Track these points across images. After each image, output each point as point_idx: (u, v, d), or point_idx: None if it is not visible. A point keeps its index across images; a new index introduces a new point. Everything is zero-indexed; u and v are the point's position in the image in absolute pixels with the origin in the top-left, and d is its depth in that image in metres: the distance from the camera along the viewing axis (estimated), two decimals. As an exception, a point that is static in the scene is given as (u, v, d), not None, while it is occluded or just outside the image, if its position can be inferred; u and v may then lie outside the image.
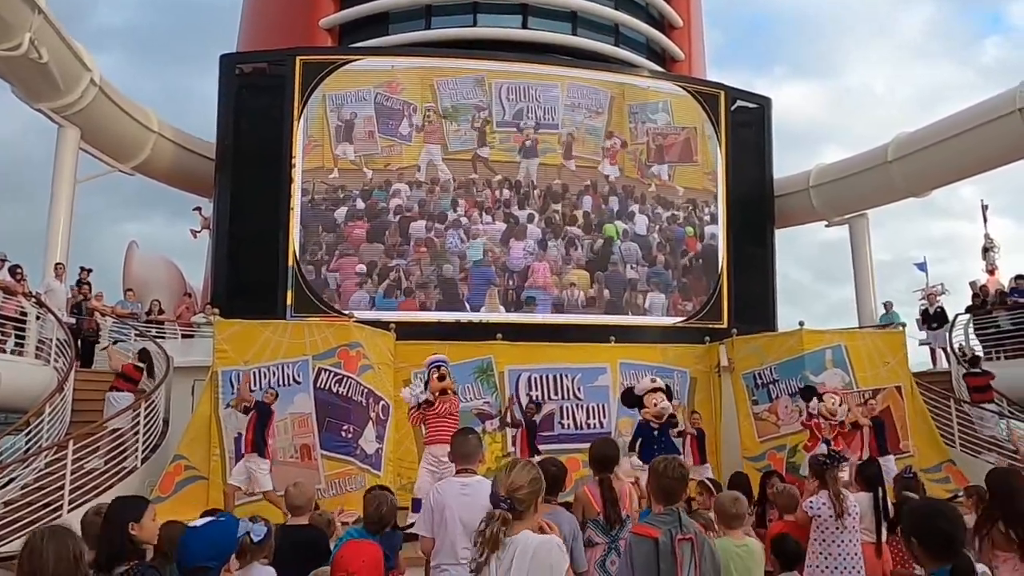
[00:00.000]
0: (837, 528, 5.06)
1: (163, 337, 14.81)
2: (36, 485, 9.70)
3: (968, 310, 16.05)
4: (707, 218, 18.34)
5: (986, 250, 21.28)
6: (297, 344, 11.30)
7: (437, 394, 9.06)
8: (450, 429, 8.27)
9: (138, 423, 11.20)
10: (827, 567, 5.01)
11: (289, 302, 15.83)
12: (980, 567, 3.06)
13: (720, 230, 18.30)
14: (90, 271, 15.22)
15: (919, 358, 16.56)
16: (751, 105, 19.91)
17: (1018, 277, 15.65)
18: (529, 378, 12.95)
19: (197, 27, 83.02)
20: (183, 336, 15.46)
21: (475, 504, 4.05)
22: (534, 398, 12.60)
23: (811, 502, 5.23)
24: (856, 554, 5.10)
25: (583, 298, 17.04)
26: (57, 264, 14.33)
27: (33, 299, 12.28)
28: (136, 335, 14.38)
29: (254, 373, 10.88)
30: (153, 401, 11.78)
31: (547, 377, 13.09)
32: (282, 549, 4.20)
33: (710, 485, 6.46)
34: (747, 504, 4.89)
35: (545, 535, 3.09)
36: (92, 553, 3.36)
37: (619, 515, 4.52)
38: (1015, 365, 14.33)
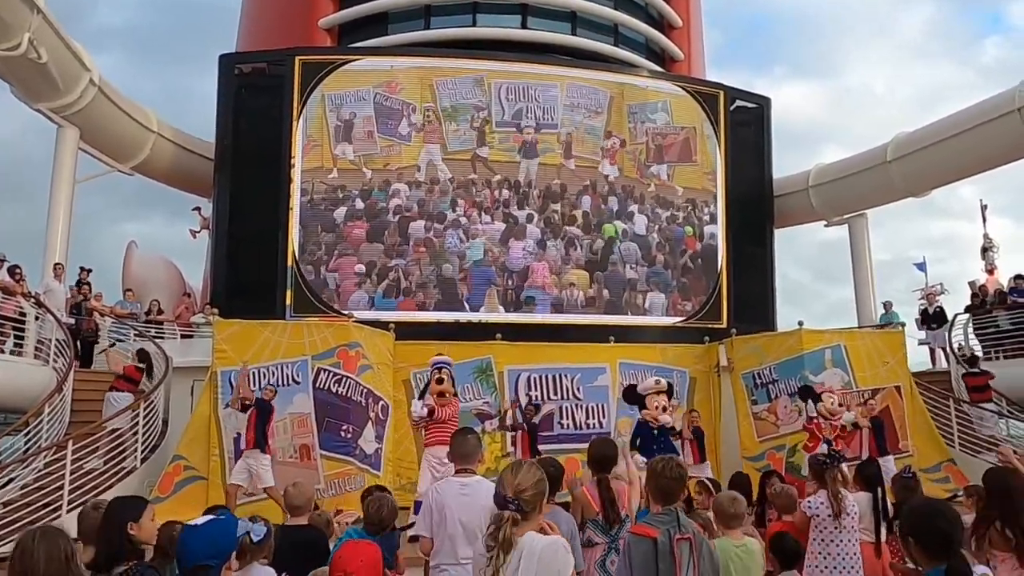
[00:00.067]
0: (835, 528, 5.06)
1: (162, 337, 14.81)
2: (35, 485, 9.71)
3: (967, 310, 16.06)
4: (706, 218, 18.34)
5: (985, 250, 21.31)
6: (296, 344, 11.31)
7: (435, 396, 9.10)
8: (450, 430, 8.28)
9: (137, 423, 11.21)
10: (826, 567, 5.01)
11: (288, 302, 15.82)
12: (981, 568, 3.05)
13: (719, 230, 18.31)
14: (90, 271, 15.21)
15: (918, 358, 16.60)
16: (750, 105, 19.91)
17: (1017, 277, 15.66)
18: (528, 378, 12.96)
19: (197, 27, 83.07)
20: (182, 336, 15.46)
21: (474, 504, 4.05)
22: (533, 399, 12.61)
23: (809, 502, 5.24)
24: (855, 554, 5.10)
25: (582, 298, 17.04)
26: (56, 264, 14.32)
27: (32, 299, 12.28)
28: (135, 335, 14.38)
29: (254, 373, 10.88)
30: (152, 401, 11.79)
31: (546, 377, 13.10)
32: (281, 549, 4.20)
33: (709, 485, 6.46)
34: (745, 504, 4.89)
35: (550, 536, 3.10)
36: (90, 549, 3.36)
37: (618, 515, 4.52)
38: (1014, 365, 14.34)
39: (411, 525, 6.69)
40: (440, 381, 9.27)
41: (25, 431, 10.39)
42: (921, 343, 16.99)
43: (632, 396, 10.42)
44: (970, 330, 15.57)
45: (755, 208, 18.96)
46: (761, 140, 19.64)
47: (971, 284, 17.15)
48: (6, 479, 9.69)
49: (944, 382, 14.71)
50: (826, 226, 20.75)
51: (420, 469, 9.32)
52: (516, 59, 17.96)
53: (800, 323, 13.36)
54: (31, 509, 9.02)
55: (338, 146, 16.68)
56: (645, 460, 8.51)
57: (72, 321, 13.48)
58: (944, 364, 16.01)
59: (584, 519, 4.63)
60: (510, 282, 16.79)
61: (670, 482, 3.49)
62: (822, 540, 5.07)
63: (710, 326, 16.71)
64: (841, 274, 21.81)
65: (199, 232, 19.33)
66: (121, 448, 10.97)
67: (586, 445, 5.70)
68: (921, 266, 21.15)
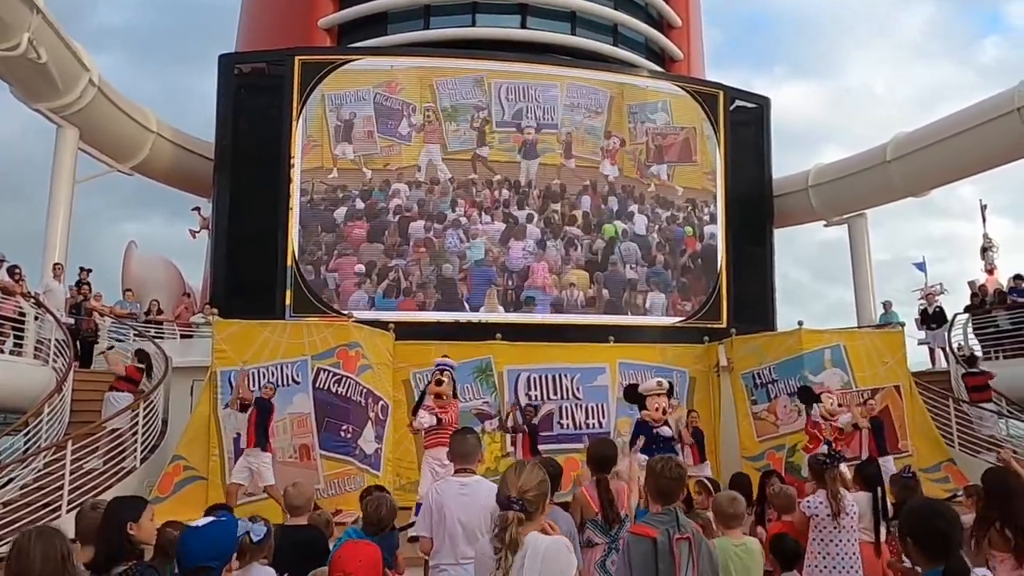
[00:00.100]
0: (835, 528, 5.06)
1: (162, 337, 14.81)
2: (35, 485, 9.70)
3: (967, 310, 16.06)
4: (706, 218, 18.35)
5: (985, 250, 21.31)
6: (296, 344, 11.31)
7: (432, 397, 9.12)
8: (450, 432, 8.30)
9: (137, 423, 11.20)
10: (825, 567, 5.02)
11: (288, 302, 15.82)
12: (980, 571, 3.05)
13: (719, 230, 18.31)
14: (90, 271, 15.21)
15: (918, 358, 16.61)
16: (750, 105, 19.91)
17: (1017, 277, 15.66)
18: (528, 378, 12.96)
19: (197, 27, 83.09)
20: (182, 336, 15.45)
21: (474, 504, 4.06)
22: (532, 398, 12.60)
23: (808, 501, 5.24)
24: (854, 554, 5.10)
25: (582, 298, 17.04)
26: (56, 264, 14.32)
27: (32, 299, 12.27)
28: (135, 335, 14.38)
29: (253, 373, 10.88)
30: (152, 401, 11.78)
31: (546, 377, 13.10)
32: (281, 549, 4.20)
33: (709, 485, 6.46)
34: (745, 504, 4.88)
35: (554, 536, 3.11)
36: (88, 549, 3.36)
37: (617, 515, 4.53)
38: (1014, 364, 14.33)
39: (410, 525, 6.70)
40: (439, 383, 9.29)
41: (24, 431, 10.38)
42: (921, 343, 17.00)
43: (633, 395, 10.43)
44: (970, 330, 15.58)
45: (755, 208, 18.96)
46: (761, 140, 19.65)
47: (971, 284, 17.15)
48: (6, 479, 9.68)
49: (944, 382, 14.72)
50: (826, 226, 20.76)
51: (421, 471, 9.32)
52: (516, 59, 17.96)
53: (800, 323, 13.35)
54: (30, 509, 9.01)
55: (338, 146, 16.68)
56: (647, 458, 8.53)
57: (72, 321, 13.48)
58: (944, 364, 16.01)
59: (584, 519, 4.63)
60: (510, 282, 16.79)
61: (669, 482, 3.49)
62: (821, 540, 5.08)
63: (710, 326, 16.71)
64: (841, 274, 21.84)
65: (199, 232, 19.32)
66: (121, 448, 10.96)
67: (585, 445, 5.71)
68: (921, 266, 21.15)
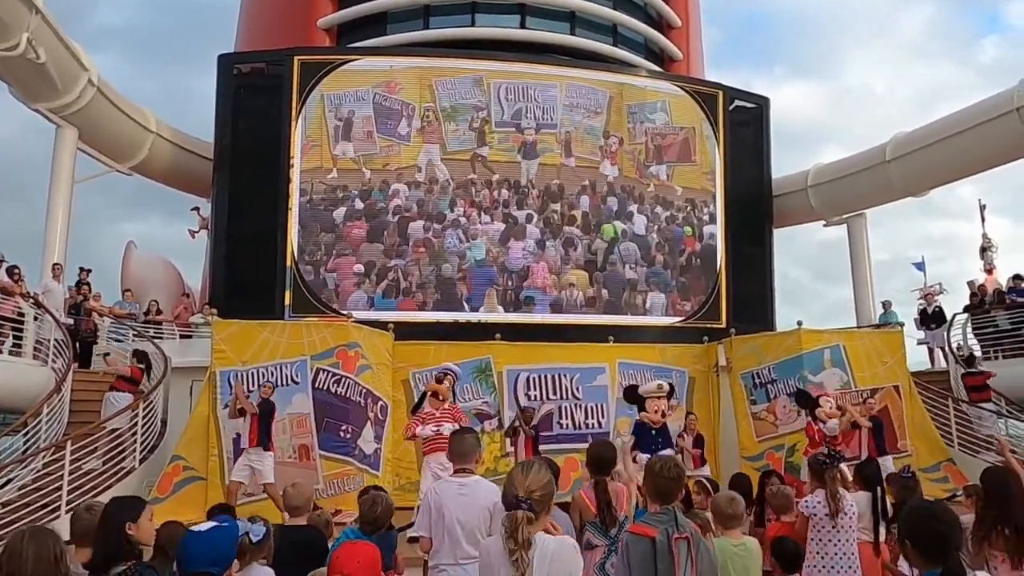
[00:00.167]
0: (833, 527, 5.06)
1: (161, 337, 14.80)
2: (34, 486, 9.70)
3: (966, 309, 16.07)
4: (705, 218, 18.35)
5: (984, 249, 21.35)
6: (295, 344, 11.31)
7: (429, 394, 9.14)
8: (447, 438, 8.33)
9: (136, 424, 11.19)
10: (823, 566, 5.01)
11: (287, 302, 15.82)
12: (981, 573, 3.05)
13: (718, 230, 18.31)
14: (89, 271, 15.21)
15: (917, 358, 16.62)
16: (749, 105, 19.91)
17: (1016, 276, 15.67)
18: (528, 378, 12.97)
19: (196, 27, 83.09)
20: (181, 336, 15.44)
21: (473, 504, 4.06)
22: (532, 399, 12.58)
23: (806, 501, 5.24)
24: (852, 553, 5.10)
25: (582, 298, 17.04)
26: (55, 264, 14.31)
27: (31, 299, 12.27)
28: (134, 335, 14.37)
29: (252, 373, 10.87)
30: (151, 402, 11.77)
31: (546, 377, 13.10)
32: (281, 550, 4.19)
33: (708, 485, 6.46)
34: (744, 504, 4.88)
35: (561, 536, 3.12)
36: (83, 551, 3.35)
37: (614, 518, 4.51)
38: (1013, 364, 14.34)
39: (409, 525, 6.69)
40: (440, 380, 9.31)
41: (24, 431, 10.38)
42: (920, 343, 17.01)
43: (633, 396, 10.43)
44: (969, 330, 15.58)
45: (754, 208, 18.96)
46: (760, 140, 19.65)
47: (970, 284, 17.16)
48: (4, 480, 9.67)
49: (943, 382, 14.72)
50: (825, 226, 20.76)
51: (422, 474, 9.30)
52: (515, 59, 17.96)
53: (799, 323, 13.36)
54: (30, 510, 9.00)
55: (338, 145, 16.67)
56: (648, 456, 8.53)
57: (71, 321, 13.48)
58: (943, 364, 16.02)
59: (583, 521, 4.63)
60: (509, 282, 16.79)
61: (668, 482, 3.49)
62: (819, 540, 5.07)
63: (709, 326, 16.71)
64: (840, 274, 21.88)
65: (198, 232, 19.31)
66: (120, 448, 10.95)
67: (585, 445, 5.70)
68: (920, 266, 21.19)
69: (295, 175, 16.36)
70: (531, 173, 17.33)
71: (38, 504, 9.23)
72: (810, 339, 12.87)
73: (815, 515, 5.11)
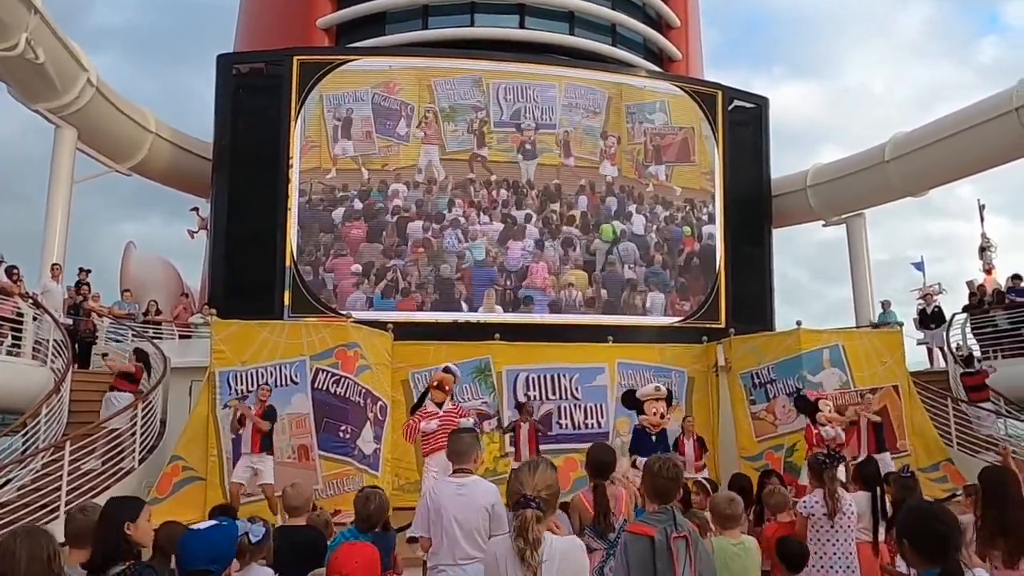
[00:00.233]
0: (831, 527, 5.06)
1: (160, 338, 14.81)
2: (33, 486, 9.69)
3: (965, 309, 16.07)
4: (704, 218, 18.35)
5: (983, 249, 21.39)
6: (294, 344, 11.30)
7: (434, 386, 9.13)
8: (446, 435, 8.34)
9: (135, 424, 11.19)
10: (822, 566, 5.01)
11: (287, 302, 15.82)
12: (979, 572, 3.06)
13: (717, 230, 18.31)
14: (89, 272, 15.20)
15: (916, 358, 16.63)
16: (748, 105, 19.91)
17: (1015, 276, 15.67)
18: (527, 378, 12.97)
19: (195, 27, 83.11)
20: (180, 337, 15.44)
21: (471, 504, 4.05)
22: (531, 399, 12.58)
23: (805, 501, 5.24)
24: (850, 553, 5.10)
25: (581, 298, 17.05)
26: (54, 265, 14.29)
27: (30, 300, 12.26)
28: (133, 336, 14.37)
29: (251, 374, 10.87)
30: (150, 402, 11.77)
31: (545, 377, 13.10)
32: (280, 550, 4.19)
33: (707, 485, 6.46)
34: (743, 505, 4.88)
35: (567, 536, 3.13)
36: (77, 552, 3.35)
37: (611, 524, 4.50)
38: (1013, 364, 14.34)
39: (408, 526, 6.69)
40: (447, 370, 9.33)
41: (23, 432, 10.37)
42: (919, 343, 17.01)
43: (631, 401, 10.44)
44: (968, 330, 15.59)
45: (753, 208, 18.97)
46: (759, 140, 19.65)
47: (969, 284, 17.16)
48: (3, 480, 9.66)
49: (942, 382, 14.73)
50: (824, 226, 20.76)
51: (424, 476, 9.29)
52: (514, 59, 17.96)
53: (798, 323, 13.36)
54: (29, 510, 8.99)
55: (337, 145, 16.67)
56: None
57: (70, 322, 13.47)
58: (942, 364, 16.02)
59: (582, 524, 4.62)
60: (508, 282, 16.79)
61: (666, 482, 3.49)
62: (818, 540, 5.07)
63: (708, 326, 16.71)
64: (839, 274, 21.91)
65: (197, 232, 19.32)
66: (119, 449, 10.94)
67: (585, 445, 5.68)
68: (919, 266, 21.23)
69: (294, 175, 16.36)
70: (530, 173, 17.33)
71: (37, 505, 9.22)
72: (809, 339, 12.87)
73: (813, 515, 5.11)
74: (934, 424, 13.14)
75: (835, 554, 5.02)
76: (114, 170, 17.57)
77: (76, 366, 12.66)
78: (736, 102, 19.52)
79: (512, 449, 11.95)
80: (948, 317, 16.33)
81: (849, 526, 5.14)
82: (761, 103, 20.02)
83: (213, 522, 3.16)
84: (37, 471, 10.00)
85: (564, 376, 13.19)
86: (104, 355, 13.35)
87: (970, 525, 4.94)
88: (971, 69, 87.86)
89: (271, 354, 11.16)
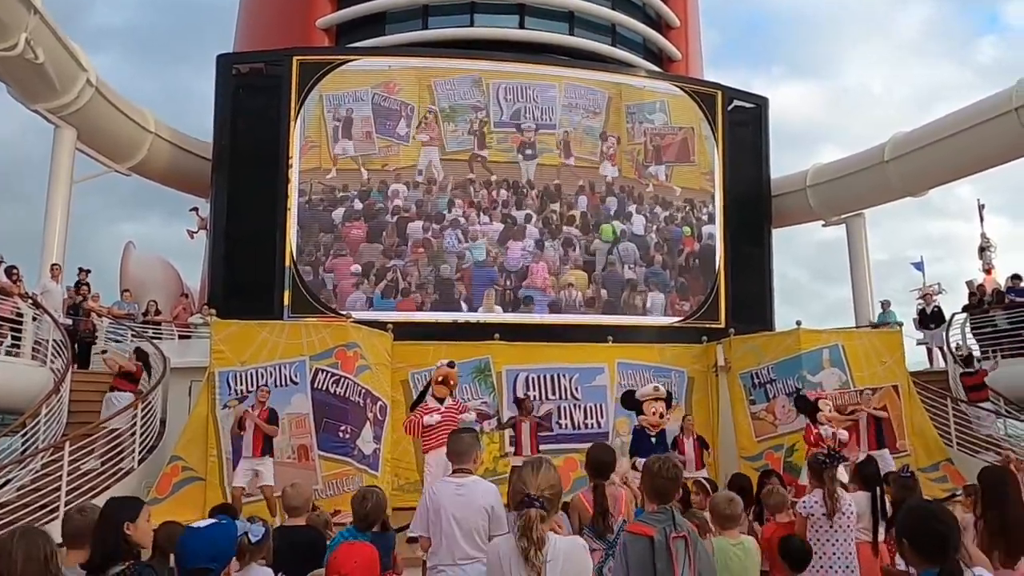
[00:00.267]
0: (830, 527, 5.06)
1: (160, 338, 14.80)
2: (33, 487, 9.69)
3: (965, 309, 16.07)
4: (704, 218, 18.35)
5: (982, 249, 21.40)
6: (294, 344, 11.30)
7: (437, 382, 9.14)
8: (444, 431, 8.39)
9: (135, 424, 11.18)
10: (821, 566, 5.01)
11: (286, 303, 15.81)
12: (978, 570, 3.05)
13: (717, 230, 18.31)
14: (88, 272, 15.20)
15: (916, 358, 16.63)
16: (748, 105, 19.91)
17: (1014, 276, 15.67)
18: (527, 378, 12.97)
19: (195, 27, 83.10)
20: (180, 337, 15.44)
21: (470, 505, 4.05)
22: (531, 398, 12.57)
23: (804, 501, 5.24)
24: (850, 553, 5.10)
25: (581, 298, 17.04)
26: (53, 265, 14.29)
27: (29, 300, 12.25)
28: (133, 336, 14.36)
29: (251, 374, 10.86)
30: (150, 402, 11.77)
31: (545, 377, 13.10)
32: (280, 550, 4.19)
33: (706, 485, 6.47)
34: (742, 505, 4.87)
35: (570, 536, 3.13)
36: (74, 553, 3.34)
37: (608, 526, 4.50)
38: (1012, 364, 14.33)
39: (408, 526, 6.69)
40: (452, 365, 9.33)
41: (22, 432, 10.37)
42: (919, 343, 17.01)
43: (630, 402, 10.44)
44: (967, 330, 15.58)
45: (753, 208, 18.97)
46: (759, 140, 19.65)
47: (969, 283, 17.16)
48: (3, 480, 9.66)
49: (942, 382, 14.73)
50: (824, 226, 20.76)
51: (424, 473, 9.28)
52: (514, 59, 17.96)
53: (798, 323, 13.36)
54: (28, 511, 8.99)
55: (337, 144, 16.67)
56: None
57: (69, 322, 13.47)
58: (942, 364, 16.02)
59: (581, 524, 4.62)
60: (508, 283, 16.79)
61: (666, 482, 3.49)
62: (817, 540, 5.07)
63: (708, 326, 16.72)
64: (839, 274, 21.93)
65: (196, 232, 19.32)
66: (119, 449, 10.94)
67: (584, 445, 5.68)
68: (919, 266, 21.24)
69: (294, 175, 16.35)
70: (530, 173, 17.33)
71: (36, 505, 9.21)
72: (809, 339, 12.87)
73: (812, 515, 5.11)
74: (934, 424, 13.14)
75: (834, 554, 5.02)
76: (113, 170, 17.57)
77: (76, 366, 12.65)
78: (736, 102, 19.52)
79: (512, 449, 11.95)
80: (948, 317, 16.33)
81: (848, 526, 5.14)
82: (761, 103, 20.02)
83: (212, 520, 3.15)
84: (36, 471, 10.00)
85: (564, 376, 13.19)
86: (103, 352, 13.33)
87: (971, 524, 4.95)
88: (970, 69, 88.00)
89: (271, 354, 11.15)
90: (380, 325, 12.97)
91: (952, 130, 16.77)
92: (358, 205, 16.54)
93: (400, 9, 19.26)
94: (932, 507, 2.88)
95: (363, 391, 11.51)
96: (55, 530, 3.33)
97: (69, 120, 15.50)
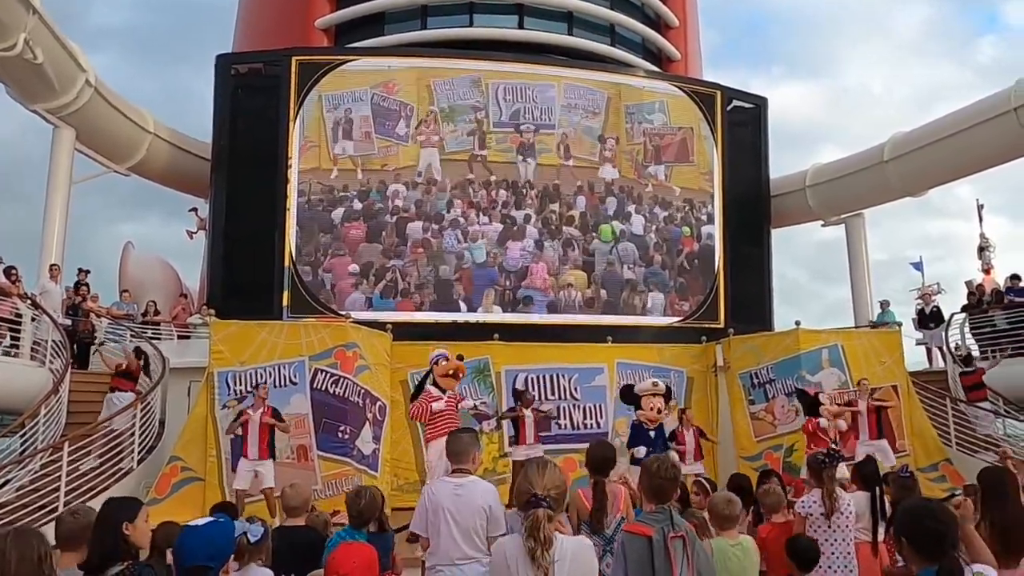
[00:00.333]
0: (829, 527, 5.07)
1: (159, 338, 14.80)
2: (32, 487, 9.68)
3: (964, 309, 16.07)
4: (704, 218, 18.35)
5: (982, 249, 21.37)
6: (293, 345, 11.30)
7: (444, 376, 9.16)
8: (449, 423, 8.41)
9: (134, 424, 11.18)
10: (819, 566, 5.01)
11: (285, 303, 15.80)
12: (977, 567, 3.06)
13: (716, 230, 18.31)
14: (88, 272, 15.19)
15: (915, 358, 16.62)
16: (747, 105, 19.90)
17: (1014, 276, 15.66)
18: (526, 378, 12.97)
19: (194, 27, 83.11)
20: (179, 337, 15.43)
21: (469, 505, 4.05)
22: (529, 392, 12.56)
23: (803, 501, 5.24)
24: (848, 553, 5.10)
25: (580, 298, 17.04)
26: (52, 265, 14.27)
27: (28, 300, 12.25)
28: (132, 336, 14.35)
29: (250, 374, 10.86)
30: (149, 402, 11.76)
31: (544, 377, 13.11)
32: (279, 551, 4.19)
33: (706, 485, 6.47)
34: (741, 505, 4.87)
35: (576, 536, 3.14)
36: (68, 555, 3.34)
37: (601, 523, 4.50)
38: (1011, 364, 14.33)
39: (408, 526, 6.69)
40: (461, 358, 9.37)
41: (21, 432, 10.37)
42: (918, 343, 17.01)
43: (629, 396, 10.46)
44: (967, 330, 15.58)
45: (752, 208, 18.97)
46: (758, 140, 19.64)
47: (968, 283, 17.16)
48: (2, 481, 9.66)
49: (941, 382, 14.72)
50: (823, 226, 20.76)
51: (426, 461, 9.30)
52: (513, 59, 17.95)
53: (797, 323, 13.37)
54: (27, 511, 8.99)
55: (337, 145, 16.66)
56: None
57: (68, 322, 13.46)
58: (941, 364, 16.02)
59: (579, 520, 4.62)
60: (508, 283, 16.79)
61: (664, 482, 3.50)
62: (816, 540, 5.07)
63: (707, 326, 16.72)
64: (838, 274, 21.94)
65: (196, 233, 19.32)
66: (118, 449, 10.94)
67: (584, 445, 5.68)
68: (918, 266, 21.21)
69: (293, 176, 16.34)
70: (529, 173, 17.33)
71: (35, 506, 9.21)
72: (808, 339, 12.88)
73: (811, 515, 5.11)
74: (933, 424, 13.14)
75: (833, 554, 5.02)
76: (112, 170, 17.56)
77: (75, 367, 12.64)
78: (735, 102, 19.51)
79: (511, 449, 11.96)
80: (947, 317, 16.33)
81: (847, 526, 5.14)
82: (760, 103, 20.02)
83: (210, 519, 3.15)
84: (36, 472, 10.00)
85: (563, 376, 13.20)
86: (100, 343, 13.33)
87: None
88: (970, 69, 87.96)
89: (270, 354, 11.16)
90: (379, 325, 12.97)
91: (951, 130, 16.77)
92: (357, 205, 16.54)
93: (399, 9, 19.26)
94: (929, 505, 2.89)
95: (362, 391, 11.51)
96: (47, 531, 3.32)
97: (68, 120, 15.50)
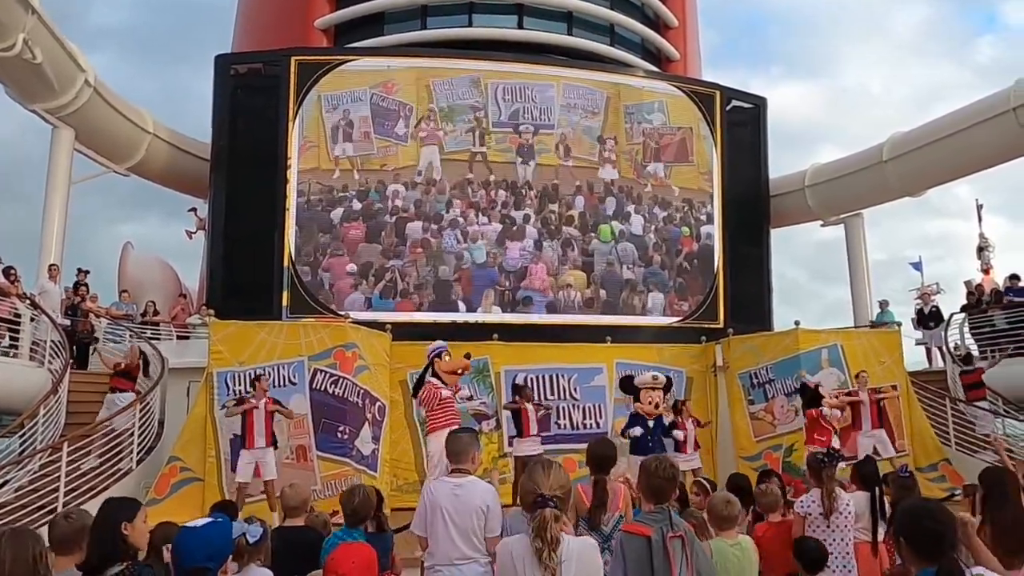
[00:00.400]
0: (827, 527, 5.06)
1: (158, 338, 14.79)
2: (31, 487, 9.67)
3: (963, 309, 16.08)
4: (703, 218, 18.35)
5: (981, 249, 21.39)
6: (293, 345, 11.30)
7: (449, 372, 9.13)
8: (452, 415, 8.40)
9: (133, 424, 11.17)
10: (819, 566, 5.02)
11: (285, 303, 15.80)
12: (977, 569, 3.06)
13: (716, 230, 18.31)
14: (87, 272, 15.18)
15: (915, 358, 16.63)
16: (746, 105, 19.90)
17: (1013, 276, 15.67)
18: (526, 379, 12.93)
19: (194, 27, 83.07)
20: (178, 337, 15.42)
21: (468, 505, 4.05)
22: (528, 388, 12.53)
23: (802, 500, 5.25)
24: (847, 553, 5.10)
25: (580, 299, 17.04)
26: (51, 265, 14.26)
27: (27, 300, 12.24)
28: (131, 336, 14.35)
29: (249, 374, 10.86)
30: (148, 403, 11.76)
31: (543, 377, 13.12)
32: (278, 551, 4.19)
33: (706, 485, 6.47)
34: (740, 506, 4.87)
35: (583, 537, 3.14)
36: (62, 558, 3.33)
37: (598, 522, 4.49)
38: (1011, 364, 14.33)
39: (406, 526, 6.69)
40: (468, 356, 9.38)
41: (20, 433, 10.36)
42: (918, 343, 17.01)
43: (628, 387, 10.48)
44: (966, 330, 15.59)
45: (751, 208, 18.97)
46: (757, 140, 19.65)
47: (967, 283, 17.16)
48: (1, 481, 9.65)
49: (940, 382, 14.72)
50: (822, 226, 20.77)
51: (426, 455, 9.29)
52: (512, 59, 17.95)
53: (796, 323, 13.38)
54: (26, 511, 8.98)
55: (337, 145, 16.66)
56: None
57: (68, 322, 13.45)
58: (940, 364, 16.02)
59: (578, 517, 4.62)
60: (507, 283, 16.79)
61: (663, 481, 3.50)
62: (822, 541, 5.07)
63: (707, 326, 16.73)
64: (837, 274, 21.96)
65: (195, 233, 19.31)
66: (117, 449, 10.93)
67: (583, 445, 5.68)
68: (917, 266, 21.24)
69: (292, 176, 16.34)
70: (528, 174, 17.33)
71: (35, 506, 9.20)
72: (807, 339, 12.88)
73: (810, 514, 5.11)
74: (932, 424, 13.15)
75: (832, 554, 5.01)
76: (112, 170, 17.56)
77: (74, 367, 12.64)
78: (734, 102, 19.52)
79: (511, 449, 11.96)
80: (946, 317, 16.33)
81: (846, 526, 5.14)
82: (759, 103, 20.02)
83: (208, 519, 3.15)
84: (35, 472, 9.98)
85: (562, 376, 13.21)
86: (97, 340, 13.31)
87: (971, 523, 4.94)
88: (969, 69, 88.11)
89: (269, 355, 11.15)
90: (379, 325, 12.96)
91: (950, 130, 16.78)
92: (356, 205, 16.53)
93: (399, 9, 19.26)
94: (928, 506, 2.88)
95: (361, 391, 11.50)
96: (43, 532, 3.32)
97: (67, 120, 15.49)
